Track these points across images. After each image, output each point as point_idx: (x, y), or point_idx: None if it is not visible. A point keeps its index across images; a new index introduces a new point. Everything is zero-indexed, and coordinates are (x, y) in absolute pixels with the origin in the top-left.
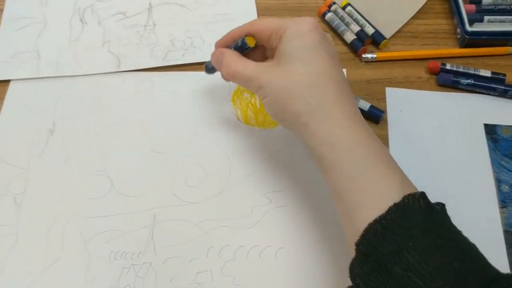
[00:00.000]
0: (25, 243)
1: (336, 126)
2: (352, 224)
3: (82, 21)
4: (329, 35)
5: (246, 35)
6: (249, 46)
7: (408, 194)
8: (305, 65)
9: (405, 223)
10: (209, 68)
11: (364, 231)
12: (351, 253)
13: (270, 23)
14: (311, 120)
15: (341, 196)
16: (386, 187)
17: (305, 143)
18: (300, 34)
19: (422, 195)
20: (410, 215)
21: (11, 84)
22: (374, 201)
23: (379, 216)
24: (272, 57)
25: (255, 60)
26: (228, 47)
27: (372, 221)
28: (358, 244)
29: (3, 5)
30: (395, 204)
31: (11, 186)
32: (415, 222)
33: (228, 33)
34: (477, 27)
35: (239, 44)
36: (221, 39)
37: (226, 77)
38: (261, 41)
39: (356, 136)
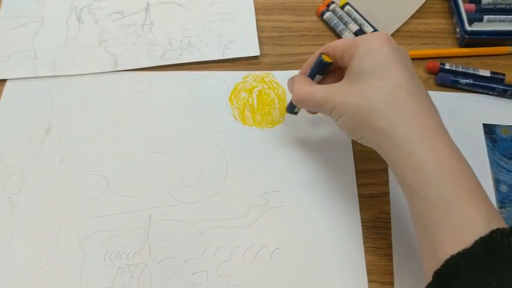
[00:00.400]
0: (20, 243)
1: (419, 146)
2: (432, 251)
3: (79, 21)
4: (404, 49)
5: (321, 53)
6: (326, 61)
7: (496, 229)
8: (380, 80)
9: (491, 262)
10: (291, 108)
11: (445, 261)
12: (427, 276)
13: (342, 42)
14: (391, 139)
15: (423, 222)
16: (472, 218)
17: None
18: (372, 50)
19: (511, 231)
20: (497, 254)
21: (7, 83)
22: (458, 231)
23: (464, 250)
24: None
25: (335, 81)
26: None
27: (455, 254)
28: (437, 273)
29: None
30: (481, 239)
31: (6, 185)
32: (502, 261)
33: (306, 63)
34: (477, 27)
35: (317, 61)
36: (303, 67)
37: (296, 103)
38: (335, 60)
39: (440, 159)
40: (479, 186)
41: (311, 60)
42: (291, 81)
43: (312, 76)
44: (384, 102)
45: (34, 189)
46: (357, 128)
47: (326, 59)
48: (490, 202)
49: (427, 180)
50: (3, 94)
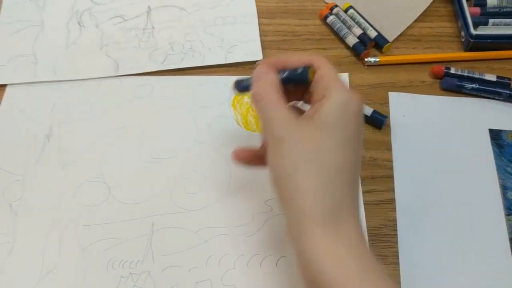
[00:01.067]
0: (22, 252)
1: (341, 243)
2: None
3: (80, 25)
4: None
5: (309, 66)
6: (309, 79)
7: None
8: (340, 150)
9: None
10: (241, 86)
11: None
12: None
13: (326, 74)
14: (317, 224)
15: None
16: None
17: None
18: (347, 111)
19: None
20: None
21: (7, 88)
22: None
23: None
24: (308, 100)
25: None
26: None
27: None
28: None
29: None
30: None
31: (6, 193)
32: None
33: (286, 57)
34: (482, 30)
35: (298, 73)
36: (271, 58)
37: (253, 98)
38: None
39: (362, 260)
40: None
41: (287, 60)
42: (264, 72)
43: (285, 81)
44: (332, 179)
45: (35, 196)
46: (283, 185)
47: (310, 76)
48: None
49: (344, 275)
50: (3, 99)
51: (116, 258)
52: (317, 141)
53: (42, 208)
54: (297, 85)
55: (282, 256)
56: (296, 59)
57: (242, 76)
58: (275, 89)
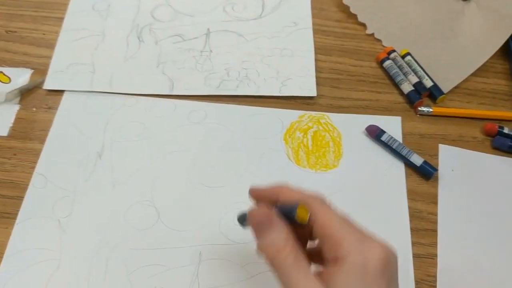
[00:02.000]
0: (67, 270)
1: None
2: None
3: (139, 39)
4: (397, 261)
5: (299, 205)
6: (300, 222)
7: None
8: None
9: None
10: (242, 220)
11: None
12: None
13: (331, 222)
14: None
15: None
16: None
17: None
18: (365, 275)
19: None
20: None
21: (64, 95)
22: None
23: None
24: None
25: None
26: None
27: None
28: None
29: (63, 14)
30: None
31: (56, 208)
32: None
33: (272, 189)
34: None
35: (286, 211)
36: (258, 189)
37: (267, 255)
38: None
39: None
40: None
41: (268, 194)
42: (267, 221)
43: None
44: None
45: (84, 213)
46: None
47: (302, 216)
48: None
49: None
50: (59, 107)
51: (162, 285)
52: None
53: (91, 226)
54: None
55: None
56: (287, 195)
57: (245, 210)
58: (293, 245)
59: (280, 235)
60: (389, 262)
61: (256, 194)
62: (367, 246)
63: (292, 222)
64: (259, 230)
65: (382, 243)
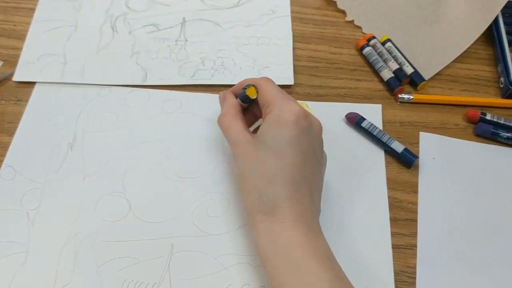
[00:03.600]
0: (35, 263)
1: (278, 225)
2: None
3: (113, 29)
4: (318, 123)
5: (249, 85)
6: (250, 96)
7: None
8: (273, 159)
9: None
10: None
11: None
12: None
13: (268, 93)
14: (258, 214)
15: None
16: (316, 283)
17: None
18: (279, 123)
19: None
20: None
21: (35, 88)
22: None
23: None
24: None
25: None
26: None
27: None
28: None
29: (35, 4)
30: None
31: (24, 200)
32: None
33: (241, 82)
34: None
35: (242, 92)
36: (234, 87)
37: (217, 121)
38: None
39: (294, 236)
40: (330, 259)
41: (240, 85)
42: (223, 98)
43: (240, 100)
44: (266, 182)
45: (53, 206)
46: (240, 187)
47: (251, 94)
48: (340, 269)
49: (280, 252)
50: (30, 99)
51: (132, 279)
52: (257, 155)
53: (60, 219)
54: (252, 105)
55: None
56: (248, 81)
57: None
58: (233, 112)
59: (227, 107)
60: (301, 119)
61: (233, 90)
62: (286, 104)
63: (248, 102)
64: (221, 105)
65: (299, 106)
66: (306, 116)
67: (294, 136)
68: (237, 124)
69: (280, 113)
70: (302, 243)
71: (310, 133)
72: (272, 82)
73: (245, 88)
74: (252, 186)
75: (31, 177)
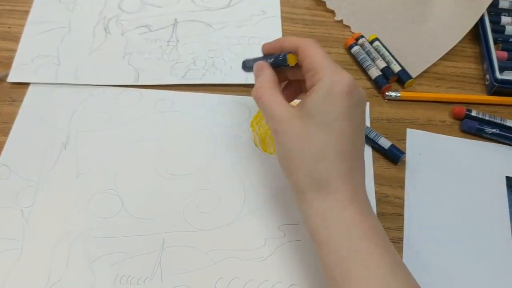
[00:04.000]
0: (29, 259)
1: (333, 204)
2: None
3: (106, 31)
4: (364, 98)
5: (290, 52)
6: (289, 64)
7: None
8: (323, 134)
9: None
10: (247, 66)
11: None
12: None
13: (315, 59)
14: (309, 192)
15: (331, 272)
16: (375, 269)
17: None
18: (331, 95)
19: None
20: None
21: (30, 88)
22: (365, 283)
23: None
24: (305, 91)
25: (292, 76)
26: (272, 54)
27: None
28: None
29: (30, 7)
30: None
31: (19, 198)
32: None
33: (279, 40)
34: (508, 75)
35: (280, 58)
36: (269, 43)
37: (253, 96)
38: (301, 66)
39: (351, 216)
40: (385, 240)
41: (287, 44)
42: (259, 70)
43: (273, 65)
44: (315, 159)
45: (47, 203)
46: (284, 165)
47: (291, 61)
48: (396, 253)
49: (336, 234)
50: (24, 100)
51: (124, 273)
52: (303, 130)
53: (54, 216)
54: (290, 71)
55: (293, 284)
56: (288, 43)
57: (250, 57)
58: (271, 85)
59: (264, 77)
60: (354, 90)
61: (267, 48)
62: (338, 74)
63: (286, 67)
64: (256, 76)
65: (351, 76)
66: (357, 88)
67: (347, 109)
68: (277, 97)
69: (331, 83)
70: (360, 224)
71: (360, 105)
72: (319, 45)
73: (285, 55)
74: (301, 163)
75: (26, 176)
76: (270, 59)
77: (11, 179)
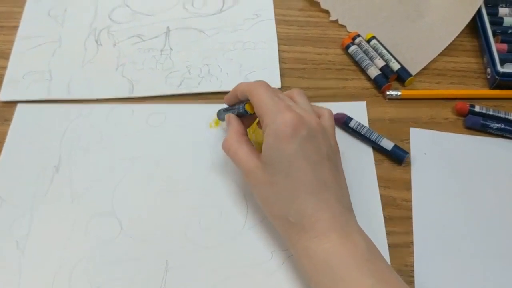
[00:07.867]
0: None
1: (311, 242)
2: None
3: (97, 43)
4: (316, 121)
5: (246, 103)
6: (249, 113)
7: None
8: (287, 180)
9: None
10: (220, 117)
11: None
12: None
13: (260, 104)
14: (291, 236)
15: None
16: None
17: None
18: (278, 141)
19: None
20: None
21: (18, 107)
22: None
23: None
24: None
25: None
26: (233, 103)
27: None
28: None
29: (18, 22)
30: None
31: (14, 228)
32: None
33: (234, 89)
34: (509, 68)
35: (240, 110)
36: (227, 94)
37: (222, 147)
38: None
39: (331, 247)
40: (369, 257)
41: (232, 96)
42: (227, 121)
43: (237, 115)
44: (286, 203)
45: (43, 232)
46: (264, 210)
47: (250, 110)
48: (382, 266)
49: (320, 267)
50: (13, 121)
51: None
52: (269, 179)
53: (51, 244)
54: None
55: None
56: (240, 91)
57: (222, 108)
58: (238, 138)
59: (231, 130)
60: (300, 127)
61: (227, 99)
62: (279, 117)
63: (250, 115)
64: (227, 128)
65: (294, 112)
66: (303, 122)
67: (298, 149)
68: (243, 150)
69: (276, 129)
70: (339, 253)
71: (312, 137)
72: (263, 87)
73: (243, 105)
74: (276, 210)
75: (18, 204)
76: (235, 110)
77: (3, 208)
